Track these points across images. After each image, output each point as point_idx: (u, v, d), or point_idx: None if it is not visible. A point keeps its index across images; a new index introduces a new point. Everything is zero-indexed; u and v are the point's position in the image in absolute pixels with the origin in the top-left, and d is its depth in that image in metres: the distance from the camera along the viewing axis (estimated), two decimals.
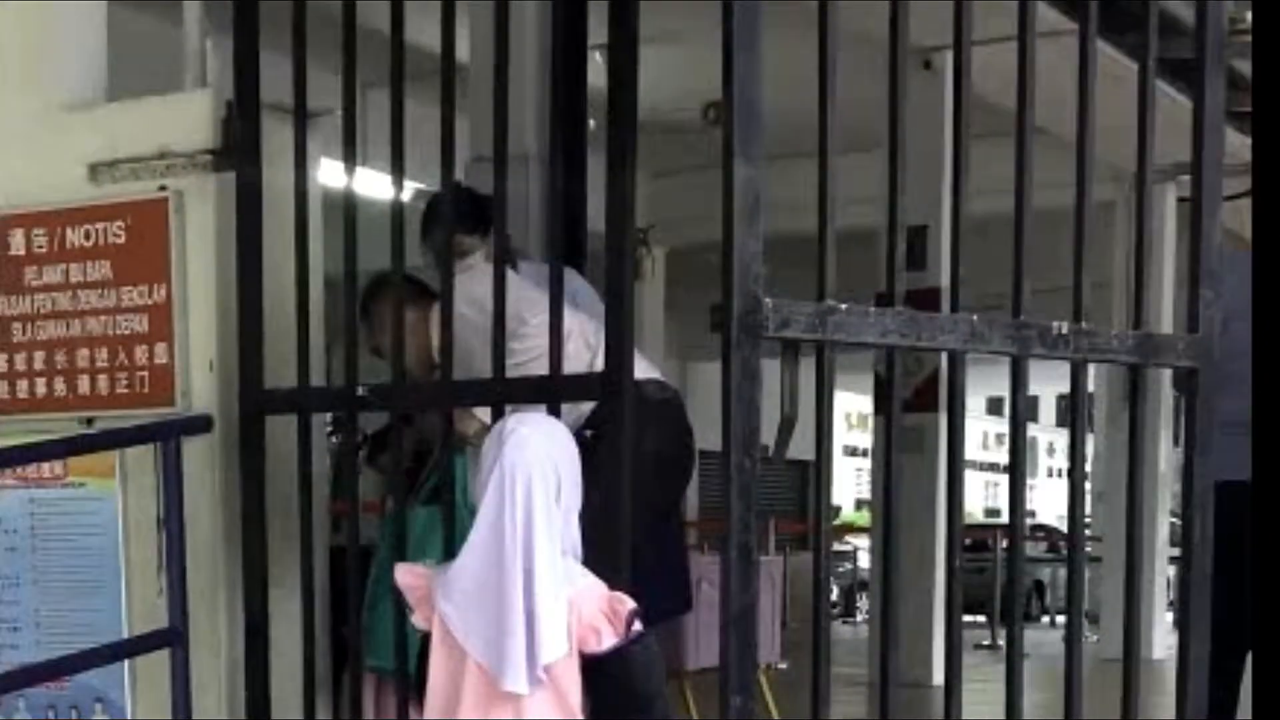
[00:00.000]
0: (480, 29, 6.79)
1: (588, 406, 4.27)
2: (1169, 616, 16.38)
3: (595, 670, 3.59)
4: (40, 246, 4.52)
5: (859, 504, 37.66)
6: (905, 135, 3.46)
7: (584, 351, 4.75)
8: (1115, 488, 13.73)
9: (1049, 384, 30.40)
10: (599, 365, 3.96)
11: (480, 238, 5.15)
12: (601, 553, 3.65)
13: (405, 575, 3.80)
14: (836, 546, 24.17)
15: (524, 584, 3.50)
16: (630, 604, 3.55)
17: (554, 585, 3.52)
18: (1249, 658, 5.54)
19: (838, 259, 3.37)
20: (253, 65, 4.18)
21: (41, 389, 4.55)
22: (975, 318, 3.49)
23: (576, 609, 3.55)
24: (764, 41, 3.15)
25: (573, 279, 5.51)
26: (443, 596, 3.62)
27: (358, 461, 4.45)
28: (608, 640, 3.54)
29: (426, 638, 3.71)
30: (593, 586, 3.60)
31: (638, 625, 3.54)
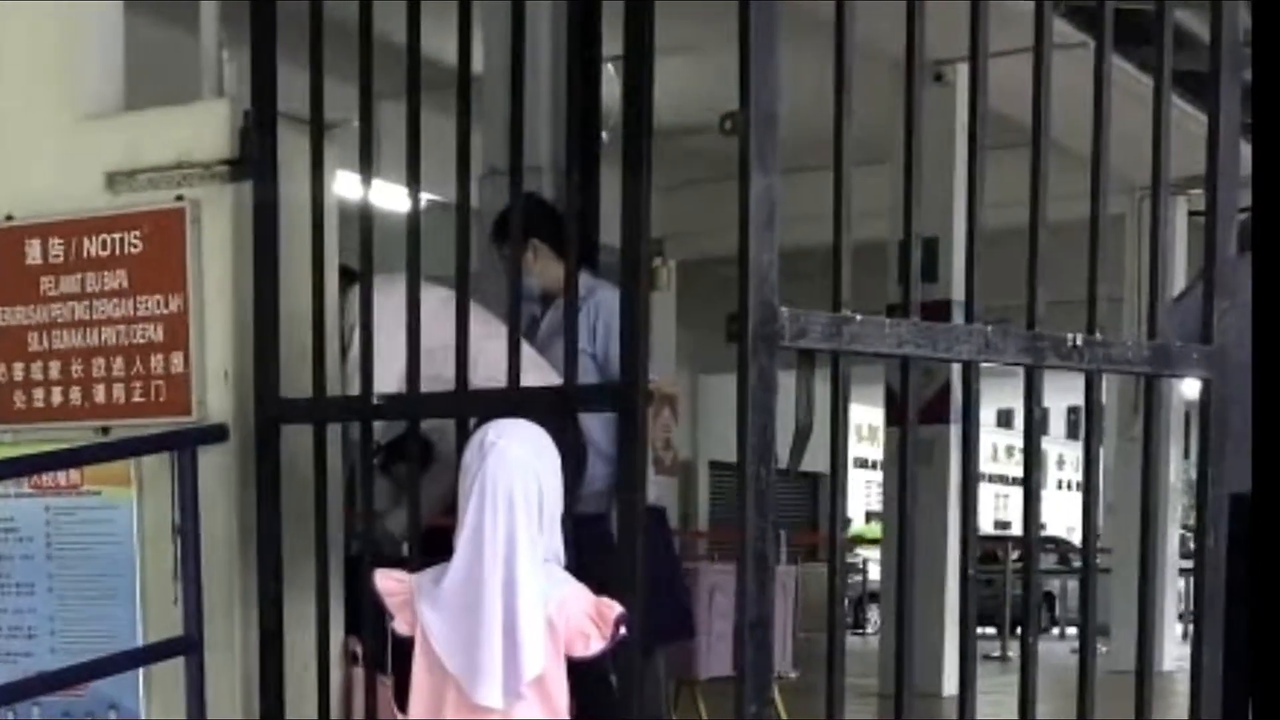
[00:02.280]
0: (494, 41, 6.82)
1: None
2: (1178, 629, 16.37)
3: (583, 675, 3.62)
4: (57, 256, 4.53)
5: (869, 516, 37.60)
6: (921, 147, 3.48)
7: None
8: (1125, 500, 13.71)
9: (1059, 397, 30.39)
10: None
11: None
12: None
13: (385, 580, 3.83)
14: (847, 558, 24.15)
15: (504, 600, 3.53)
16: (617, 608, 3.57)
17: (536, 601, 3.54)
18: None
19: (850, 271, 3.38)
20: (270, 75, 4.19)
21: (58, 398, 4.57)
22: (990, 328, 3.51)
23: (564, 613, 3.57)
24: (779, 54, 3.17)
25: (602, 292, 5.55)
26: (426, 604, 3.65)
27: (373, 470, 4.46)
28: (595, 645, 3.57)
29: (406, 642, 3.74)
30: (578, 592, 3.63)
31: (623, 630, 3.56)
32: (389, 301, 4.13)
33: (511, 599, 3.53)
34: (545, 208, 5.65)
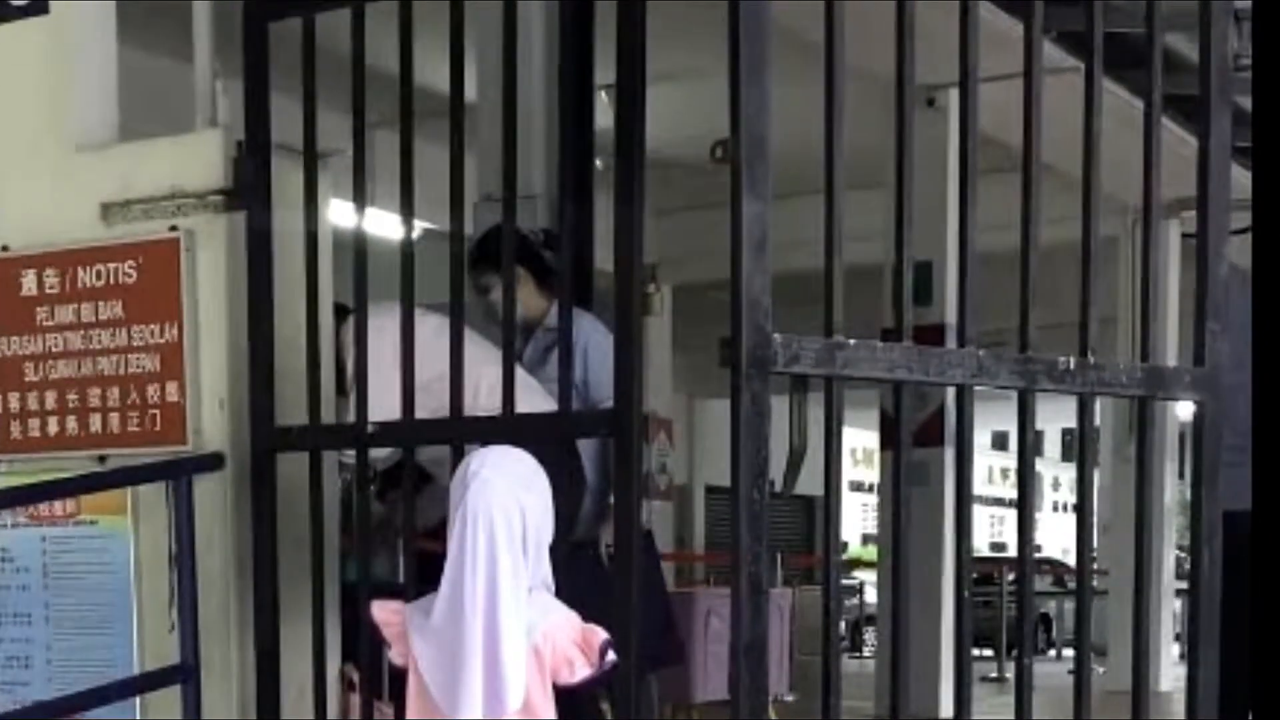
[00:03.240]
0: (487, 69, 6.85)
1: None
2: (1175, 649, 16.36)
3: (572, 703, 3.63)
4: (53, 287, 4.54)
5: (865, 539, 37.58)
6: (913, 172, 3.49)
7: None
8: (1120, 520, 13.72)
9: (1053, 419, 30.38)
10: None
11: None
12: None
13: (381, 612, 3.85)
14: (843, 581, 24.16)
15: (485, 631, 3.54)
16: (603, 635, 3.59)
17: (518, 631, 3.55)
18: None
19: (843, 296, 3.39)
20: (263, 105, 4.21)
21: (54, 428, 4.57)
22: (982, 352, 3.52)
23: (550, 640, 3.58)
24: (770, 80, 3.18)
25: (581, 321, 5.56)
26: (417, 635, 3.67)
27: (368, 498, 4.46)
28: (581, 671, 3.59)
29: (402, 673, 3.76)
30: (565, 619, 3.64)
31: (611, 656, 3.58)
32: (384, 333, 4.14)
33: (494, 629, 3.54)
34: (523, 237, 5.64)
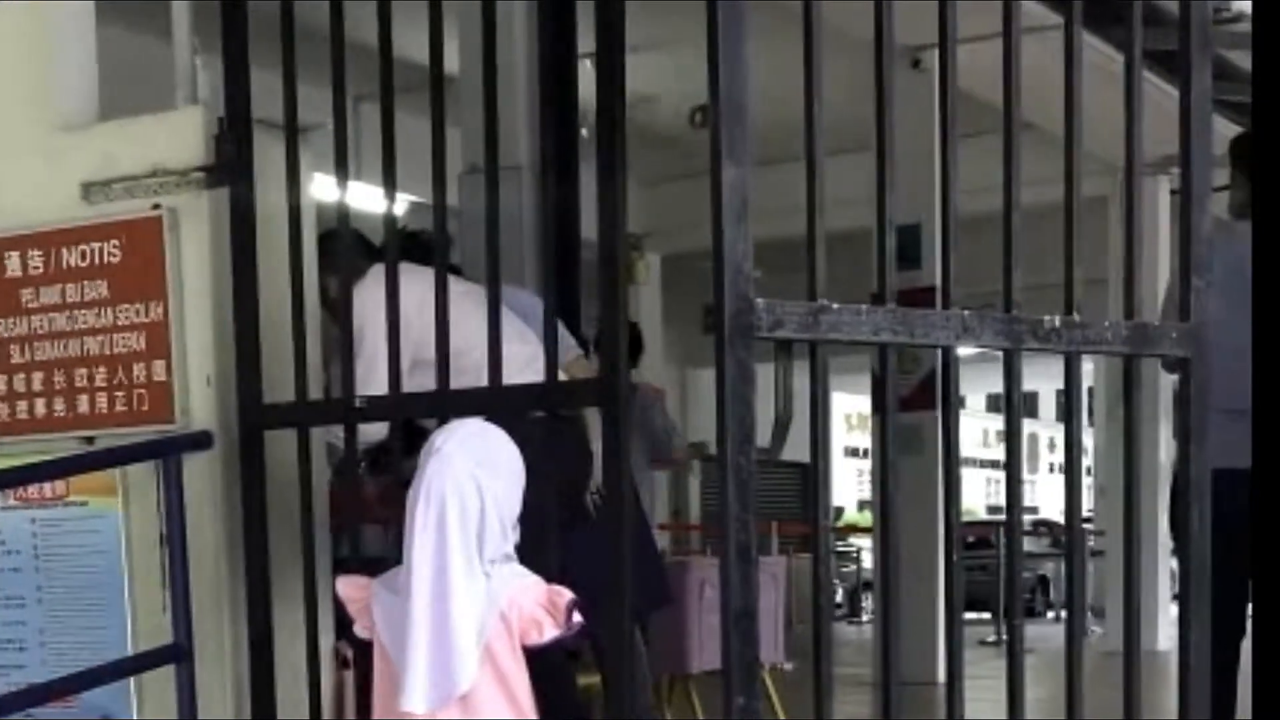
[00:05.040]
0: (470, 40, 6.82)
1: None
2: (1174, 608, 16.39)
3: (544, 665, 3.65)
4: (36, 268, 4.53)
5: (861, 505, 37.68)
6: (894, 134, 3.47)
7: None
8: (1116, 481, 13.69)
9: (1048, 380, 30.41)
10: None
11: None
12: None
13: (346, 587, 3.86)
14: (840, 547, 24.21)
15: (434, 608, 3.56)
16: (568, 595, 3.61)
17: (469, 610, 3.56)
18: (1242, 649, 5.58)
19: (833, 260, 3.38)
20: (243, 81, 4.19)
21: (41, 409, 4.56)
22: (966, 313, 3.50)
23: (516, 606, 3.60)
24: (752, 46, 3.16)
25: (516, 295, 5.55)
26: (379, 609, 3.69)
27: (359, 473, 4.45)
28: (549, 632, 3.61)
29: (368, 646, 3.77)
30: (531, 584, 3.65)
31: (578, 616, 3.59)
32: (410, 294, 4.11)
33: (443, 607, 3.56)
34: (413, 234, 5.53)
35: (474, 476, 3.62)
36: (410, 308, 4.12)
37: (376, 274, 4.20)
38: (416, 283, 4.19)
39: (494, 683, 3.60)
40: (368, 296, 4.30)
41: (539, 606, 3.61)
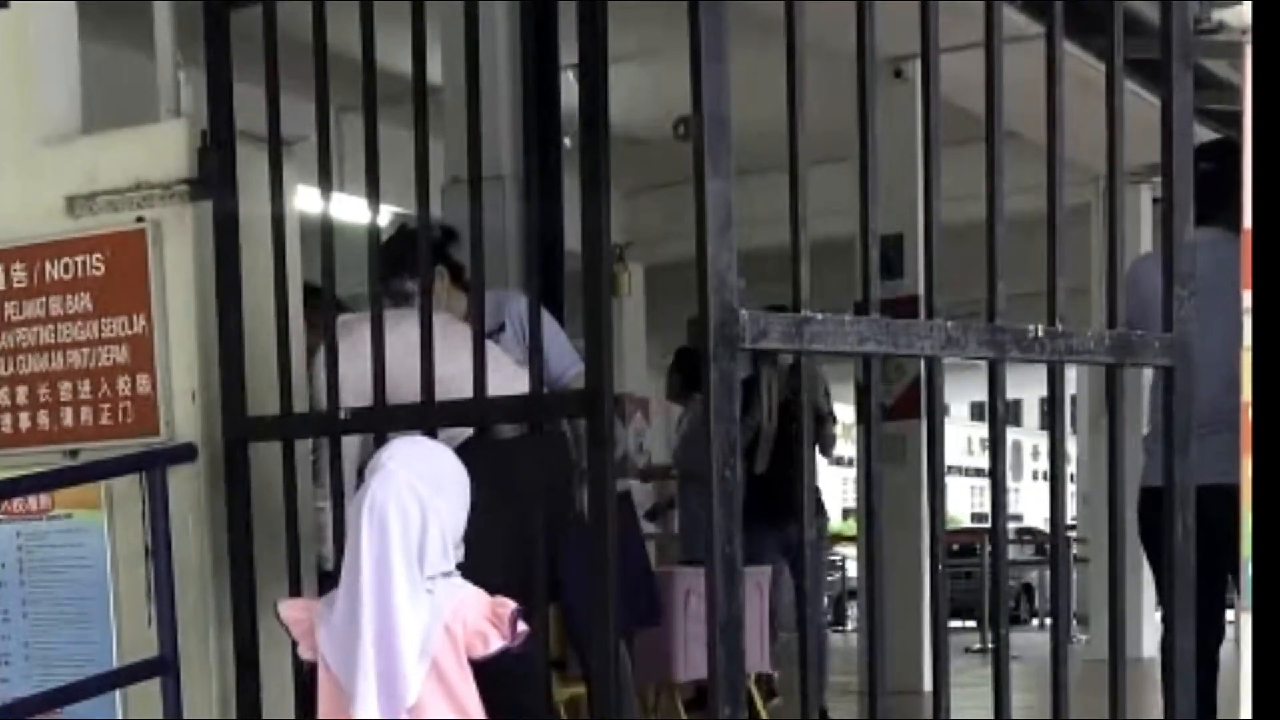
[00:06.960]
0: (453, 51, 6.82)
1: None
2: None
3: (506, 676, 3.66)
4: (20, 281, 4.52)
5: (845, 513, 37.65)
6: (877, 144, 3.48)
7: None
8: (1099, 489, 13.71)
9: (1032, 389, 30.42)
10: None
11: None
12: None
13: (289, 610, 3.86)
14: (826, 556, 24.17)
15: (377, 625, 3.56)
16: (512, 606, 3.61)
17: (411, 628, 3.56)
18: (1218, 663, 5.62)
19: (817, 271, 3.38)
20: (226, 94, 4.19)
21: (25, 423, 4.56)
22: (950, 323, 3.51)
23: (460, 618, 3.60)
24: (734, 57, 3.16)
25: (516, 301, 5.57)
26: (323, 629, 3.69)
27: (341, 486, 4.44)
28: (495, 643, 3.62)
29: (312, 669, 3.77)
30: (473, 595, 3.66)
31: (523, 626, 3.60)
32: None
33: (388, 621, 3.56)
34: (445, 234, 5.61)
35: (416, 492, 3.62)
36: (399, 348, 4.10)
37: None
38: (408, 329, 4.15)
39: (442, 697, 3.61)
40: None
41: (483, 619, 3.62)
